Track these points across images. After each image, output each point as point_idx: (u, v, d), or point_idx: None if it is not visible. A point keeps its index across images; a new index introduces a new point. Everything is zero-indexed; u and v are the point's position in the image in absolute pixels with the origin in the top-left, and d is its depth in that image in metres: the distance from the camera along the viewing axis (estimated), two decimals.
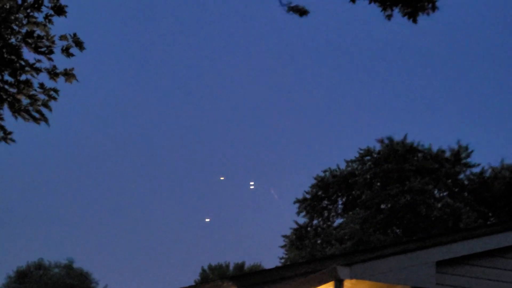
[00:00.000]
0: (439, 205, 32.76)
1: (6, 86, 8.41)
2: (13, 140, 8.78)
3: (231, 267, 52.76)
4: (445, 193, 34.28)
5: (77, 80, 8.60)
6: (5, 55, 8.19)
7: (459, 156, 34.73)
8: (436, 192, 34.09)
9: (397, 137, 35.14)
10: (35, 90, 8.48)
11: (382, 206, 33.72)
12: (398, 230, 33.33)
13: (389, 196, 33.03)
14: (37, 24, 8.27)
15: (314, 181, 36.75)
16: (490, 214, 33.63)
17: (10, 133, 8.72)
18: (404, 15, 7.60)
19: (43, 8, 8.28)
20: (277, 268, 13.56)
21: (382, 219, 33.03)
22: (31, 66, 8.37)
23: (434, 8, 7.58)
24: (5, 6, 8.09)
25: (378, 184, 34.49)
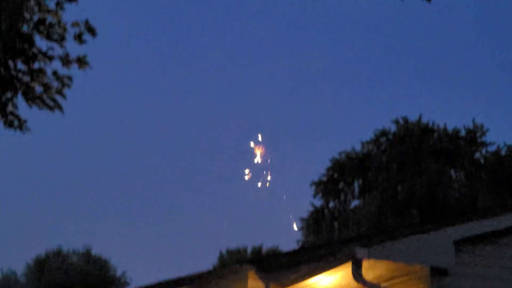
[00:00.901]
0: (456, 186, 32.61)
1: (20, 75, 8.41)
2: (28, 129, 8.80)
3: (248, 251, 52.86)
4: (461, 174, 34.11)
5: (90, 67, 8.59)
6: (18, 44, 8.19)
7: (474, 135, 34.50)
8: (452, 172, 33.92)
9: (412, 118, 34.98)
10: (49, 78, 8.48)
11: (399, 189, 33.60)
12: (415, 212, 33.21)
13: (405, 178, 32.90)
14: (48, 11, 8.26)
15: (329, 164, 36.68)
16: (507, 193, 33.41)
17: (25, 121, 8.74)
18: None
19: None
20: (294, 251, 13.56)
21: (398, 201, 32.92)
22: (44, 54, 8.37)
23: None
24: None
25: (394, 166, 34.35)
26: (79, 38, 8.48)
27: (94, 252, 49.32)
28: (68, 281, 44.90)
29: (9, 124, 8.71)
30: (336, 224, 36.20)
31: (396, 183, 33.41)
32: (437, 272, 8.43)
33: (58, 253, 49.27)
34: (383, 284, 9.27)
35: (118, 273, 48.64)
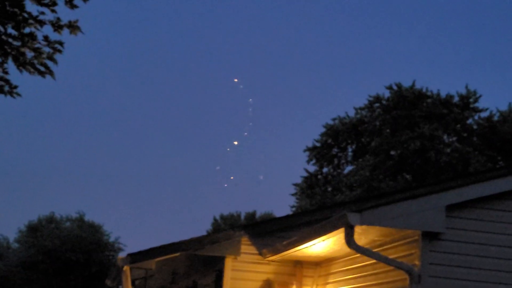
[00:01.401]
0: (449, 150, 32.71)
1: (10, 40, 8.33)
2: (19, 94, 8.74)
3: (242, 217, 53.10)
4: (454, 138, 34.21)
5: (82, 32, 8.50)
6: (8, 8, 8.10)
7: (467, 101, 34.55)
8: (445, 137, 34.01)
9: (406, 84, 34.96)
10: (40, 43, 8.40)
11: (392, 153, 33.70)
12: (408, 176, 33.34)
13: (398, 142, 32.97)
14: None
15: (323, 129, 36.71)
16: (499, 158, 33.56)
17: (15, 87, 8.68)
18: None
19: None
20: (287, 216, 13.61)
21: (391, 165, 33.04)
22: (35, 18, 8.27)
23: None
24: None
25: (388, 130, 34.41)
26: (70, 2, 8.38)
27: (87, 218, 49.43)
28: (61, 246, 45.02)
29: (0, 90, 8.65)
30: (329, 188, 36.34)
31: (389, 147, 33.51)
32: (429, 237, 8.48)
33: (51, 219, 49.34)
34: (375, 249, 9.33)
35: (112, 238, 48.79)
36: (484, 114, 34.48)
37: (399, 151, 33.10)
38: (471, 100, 34.59)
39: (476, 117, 34.48)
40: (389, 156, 33.60)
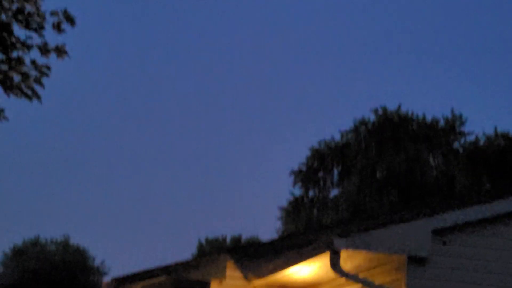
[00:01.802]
0: (434, 172, 32.85)
1: None
2: (5, 118, 8.75)
3: (228, 240, 52.89)
4: (439, 161, 34.36)
5: (68, 56, 8.55)
6: None
7: (453, 125, 34.75)
8: (431, 159, 34.16)
9: (391, 107, 35.15)
10: (27, 67, 8.44)
11: (377, 174, 33.79)
12: (393, 197, 33.40)
13: (384, 163, 33.09)
14: (27, 0, 8.21)
15: (309, 152, 36.78)
16: (484, 180, 33.69)
17: (2, 110, 8.69)
18: None
19: None
20: (273, 240, 13.60)
21: (377, 186, 33.12)
22: (22, 42, 8.32)
23: None
24: None
25: (373, 148, 34.53)
26: (57, 27, 8.43)
27: (72, 241, 49.12)
28: (46, 270, 44.70)
29: None
30: (315, 211, 36.35)
31: (375, 163, 33.62)
32: (415, 261, 8.50)
33: (35, 242, 49.00)
34: (361, 274, 9.34)
35: (97, 262, 48.50)
36: (470, 138, 34.70)
37: (385, 172, 33.20)
38: (457, 124, 34.81)
39: (462, 141, 34.68)
40: (375, 175, 33.70)
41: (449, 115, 34.92)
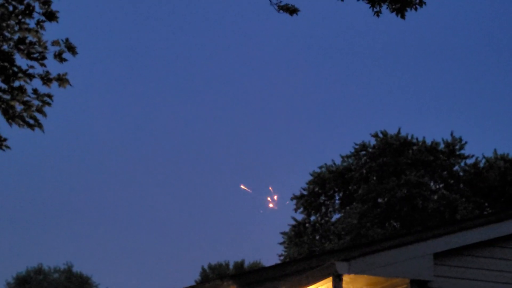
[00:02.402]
0: (435, 197, 32.84)
1: (0, 93, 8.42)
2: (8, 147, 8.79)
3: (231, 266, 52.78)
4: (441, 185, 34.37)
5: (70, 84, 8.61)
6: None
7: (453, 148, 34.81)
8: (432, 184, 34.18)
9: (391, 131, 35.23)
10: (29, 96, 8.49)
11: (379, 200, 33.78)
12: (395, 224, 33.39)
13: (385, 190, 33.09)
14: (28, 30, 8.28)
15: (310, 178, 36.78)
16: (485, 204, 33.71)
17: (5, 139, 8.73)
18: (392, 11, 7.69)
19: (35, 14, 8.29)
20: (276, 265, 13.58)
21: (379, 212, 33.09)
22: (24, 72, 8.38)
23: (421, 3, 7.68)
24: None
25: (374, 178, 34.55)
26: (59, 56, 8.50)
27: (75, 269, 49.06)
28: None
29: None
30: (317, 237, 36.27)
31: (376, 195, 33.60)
32: (417, 285, 8.51)
33: (39, 271, 48.94)
34: None
35: None
36: (470, 161, 34.74)
37: (386, 198, 33.20)
38: (456, 147, 34.86)
39: (462, 164, 34.71)
40: (377, 203, 33.69)
41: (449, 138, 34.99)
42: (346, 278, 8.58)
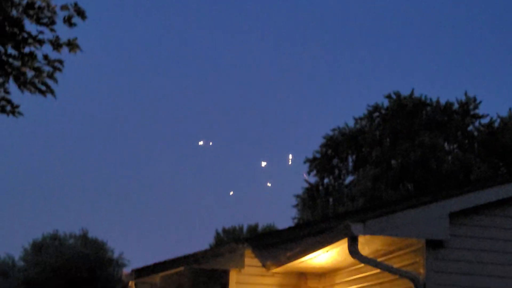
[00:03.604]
0: (450, 158, 32.70)
1: (10, 60, 8.38)
2: (21, 113, 8.78)
3: (244, 230, 53.00)
4: (455, 146, 34.20)
5: (81, 49, 8.55)
6: (7, 28, 8.14)
7: (467, 108, 34.54)
8: (446, 145, 34.00)
9: (404, 92, 34.98)
10: (40, 62, 8.44)
11: (393, 162, 33.68)
12: (409, 186, 33.33)
13: (399, 152, 32.97)
14: None
15: (323, 140, 36.72)
16: (500, 164, 33.54)
17: (17, 106, 8.72)
18: None
19: None
20: (290, 228, 13.61)
21: (393, 175, 33.02)
22: (34, 38, 8.32)
23: None
24: None
25: (388, 140, 34.42)
26: (68, 21, 8.43)
27: (90, 235, 49.45)
28: (66, 264, 45.00)
29: (1, 110, 8.69)
30: (331, 200, 36.31)
31: (390, 157, 33.49)
32: (433, 245, 8.48)
33: (54, 237, 49.38)
34: (379, 259, 9.33)
35: (115, 254, 48.78)
36: (484, 121, 34.49)
37: (400, 160, 33.09)
38: (471, 106, 34.59)
39: (476, 124, 34.47)
40: (390, 166, 33.59)
41: (463, 98, 34.70)
42: (361, 239, 8.55)
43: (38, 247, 48.27)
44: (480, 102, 34.75)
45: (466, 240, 8.65)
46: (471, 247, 8.65)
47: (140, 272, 12.43)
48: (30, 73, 8.52)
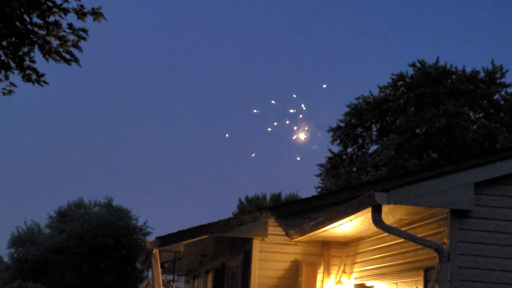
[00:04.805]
0: (475, 127, 32.44)
1: (36, 29, 8.40)
2: (46, 82, 8.82)
3: (267, 198, 53.20)
4: (480, 115, 33.91)
5: (105, 18, 8.54)
6: None
7: (493, 76, 34.17)
8: (471, 114, 33.72)
9: (429, 61, 34.65)
10: (64, 31, 8.45)
11: (417, 131, 33.50)
12: (433, 154, 33.15)
13: (423, 120, 32.76)
14: None
15: (347, 109, 36.56)
16: None
17: (42, 75, 8.76)
18: None
19: None
20: (314, 196, 13.63)
21: (417, 143, 32.86)
22: (59, 6, 8.32)
23: None
24: None
25: (412, 109, 34.20)
26: None
27: (115, 202, 49.94)
28: (91, 231, 45.53)
29: (27, 78, 8.74)
30: (354, 169, 36.25)
31: (414, 125, 33.30)
32: (457, 214, 8.46)
33: (79, 204, 49.94)
34: (403, 228, 9.33)
35: (140, 222, 49.26)
36: (510, 89, 34.11)
37: (424, 129, 32.89)
38: (497, 75, 34.21)
39: (503, 93, 34.11)
40: (414, 134, 33.41)
41: (489, 67, 34.32)
42: (385, 208, 8.55)
43: (63, 215, 48.87)
44: (507, 71, 34.35)
45: (491, 210, 8.61)
46: (496, 217, 8.61)
47: (164, 240, 12.54)
48: (55, 42, 8.54)
